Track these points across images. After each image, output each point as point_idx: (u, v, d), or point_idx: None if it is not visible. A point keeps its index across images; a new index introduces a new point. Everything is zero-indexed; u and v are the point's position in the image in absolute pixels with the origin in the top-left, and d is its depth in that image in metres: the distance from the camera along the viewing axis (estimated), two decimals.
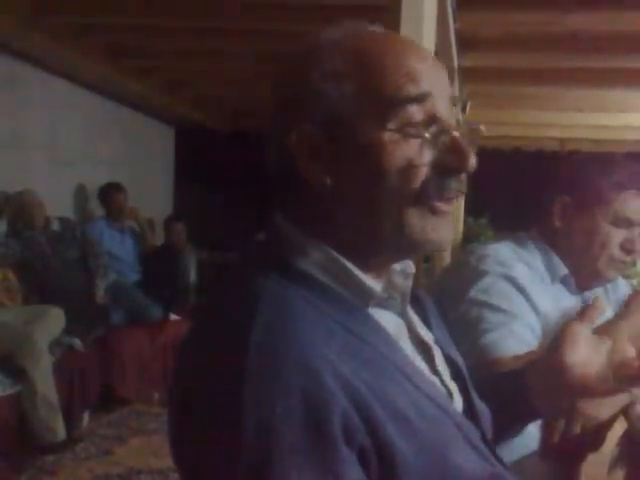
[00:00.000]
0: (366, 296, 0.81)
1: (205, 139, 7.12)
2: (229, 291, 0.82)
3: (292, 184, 0.82)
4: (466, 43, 3.66)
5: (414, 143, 0.77)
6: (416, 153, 0.77)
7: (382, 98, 0.77)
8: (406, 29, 1.43)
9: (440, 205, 0.79)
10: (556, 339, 0.93)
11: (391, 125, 0.76)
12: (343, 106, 0.78)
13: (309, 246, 0.80)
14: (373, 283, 0.81)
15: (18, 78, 4.76)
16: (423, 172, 0.77)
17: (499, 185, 5.86)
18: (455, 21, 2.96)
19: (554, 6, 3.28)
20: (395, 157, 0.76)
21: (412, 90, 0.77)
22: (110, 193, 5.51)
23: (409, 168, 0.77)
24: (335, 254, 0.80)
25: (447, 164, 0.78)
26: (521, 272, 1.45)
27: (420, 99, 0.77)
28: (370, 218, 0.79)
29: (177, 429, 0.75)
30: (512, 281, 1.42)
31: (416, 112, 0.77)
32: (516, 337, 1.33)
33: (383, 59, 0.78)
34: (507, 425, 1.01)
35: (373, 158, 0.77)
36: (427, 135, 0.77)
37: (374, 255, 0.82)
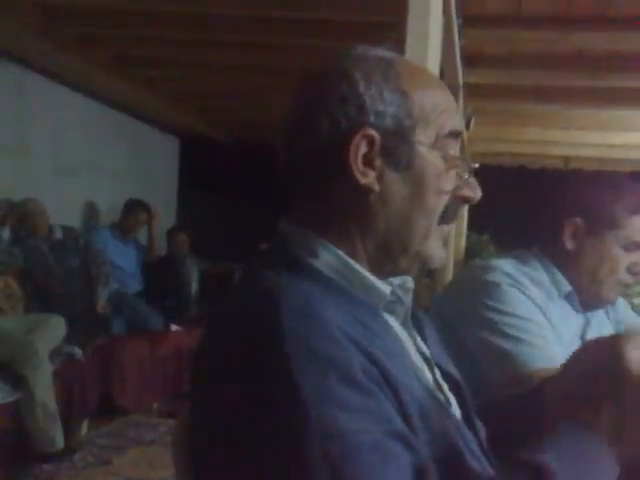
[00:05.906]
0: (377, 297, 0.84)
1: (209, 150, 7.14)
2: (244, 291, 0.83)
3: (321, 186, 0.84)
4: (471, 60, 3.69)
5: (450, 171, 0.86)
6: (449, 180, 0.86)
7: (436, 124, 0.85)
8: (412, 46, 1.43)
9: (445, 228, 0.89)
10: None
11: (438, 151, 0.85)
12: (405, 120, 0.84)
13: (320, 248, 0.83)
14: (382, 286, 0.84)
15: (24, 87, 4.79)
16: (448, 198, 0.87)
17: (502, 202, 5.86)
18: (460, 38, 2.98)
19: (558, 25, 3.30)
20: (435, 180, 0.85)
21: (458, 125, 0.88)
22: (134, 209, 5.58)
23: (442, 192, 0.86)
24: (346, 257, 0.83)
25: (463, 194, 0.89)
26: (527, 284, 1.48)
27: (459, 135, 0.89)
28: (404, 226, 0.84)
29: (216, 421, 0.74)
30: (523, 291, 1.46)
31: (454, 145, 0.88)
32: (541, 348, 1.36)
33: (435, 90, 0.88)
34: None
35: (418, 175, 0.84)
36: (463, 171, 0.88)
37: (388, 262, 0.86)
